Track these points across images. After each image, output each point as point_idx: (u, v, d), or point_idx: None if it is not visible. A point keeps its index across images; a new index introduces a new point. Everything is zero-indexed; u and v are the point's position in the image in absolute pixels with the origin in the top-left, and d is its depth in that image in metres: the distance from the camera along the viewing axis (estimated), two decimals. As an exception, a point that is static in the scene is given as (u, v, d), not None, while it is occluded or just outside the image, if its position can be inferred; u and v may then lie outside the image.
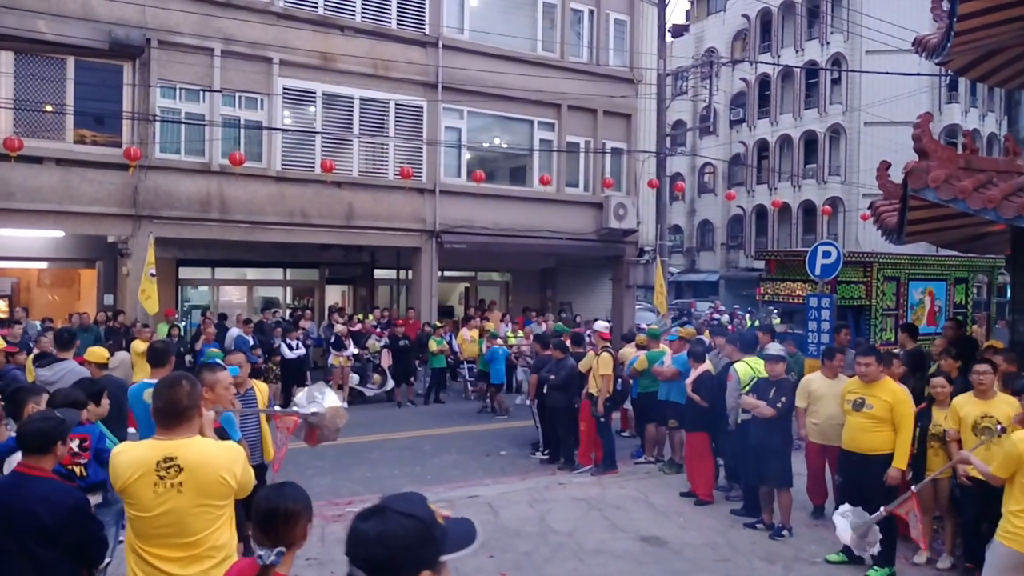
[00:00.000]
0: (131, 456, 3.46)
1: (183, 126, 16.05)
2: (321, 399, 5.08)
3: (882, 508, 6.17)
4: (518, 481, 10.20)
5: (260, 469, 5.97)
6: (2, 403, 6.48)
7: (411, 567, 1.82)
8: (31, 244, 16.61)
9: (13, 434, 4.74)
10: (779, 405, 7.76)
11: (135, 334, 13.99)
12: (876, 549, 6.35)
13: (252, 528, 2.75)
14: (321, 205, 17.25)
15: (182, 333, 15.64)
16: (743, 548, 7.60)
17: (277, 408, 5.62)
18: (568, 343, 11.50)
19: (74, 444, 4.70)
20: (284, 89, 16.90)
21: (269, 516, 2.70)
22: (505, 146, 20.75)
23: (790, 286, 14.27)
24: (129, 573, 3.52)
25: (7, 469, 4.44)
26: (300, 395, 5.26)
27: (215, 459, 3.49)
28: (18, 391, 5.37)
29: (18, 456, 4.48)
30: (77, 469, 4.70)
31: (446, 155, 19.07)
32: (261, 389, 6.46)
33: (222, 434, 4.50)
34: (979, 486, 6.22)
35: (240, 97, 16.53)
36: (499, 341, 15.54)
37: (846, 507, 6.46)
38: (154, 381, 5.99)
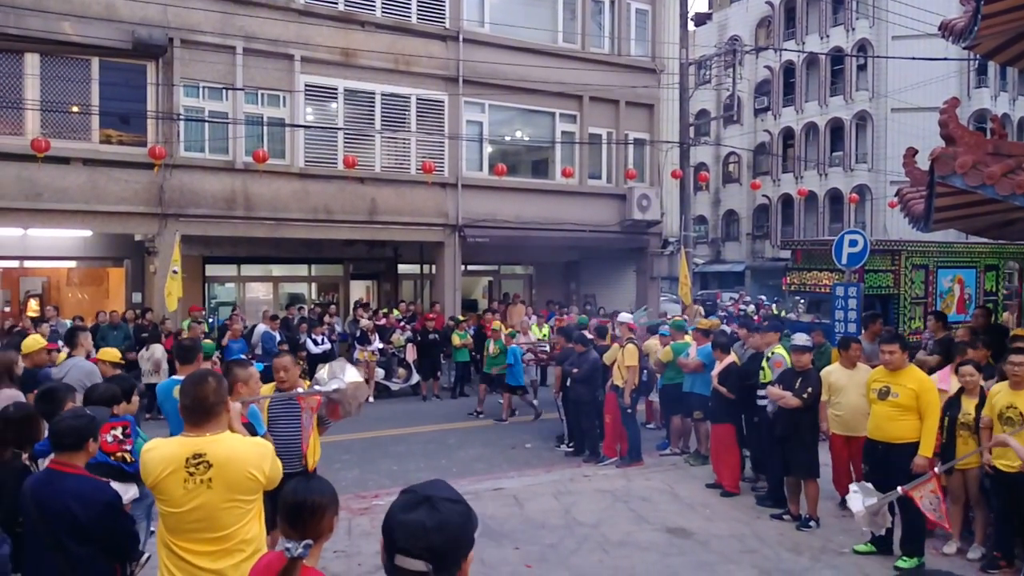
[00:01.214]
0: (161, 453, 3.50)
1: (207, 124, 16.17)
2: (342, 375, 5.14)
3: (899, 488, 6.10)
4: (543, 473, 10.20)
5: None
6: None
7: (466, 549, 1.88)
8: (60, 244, 16.84)
9: None
10: (805, 395, 7.70)
11: (162, 331, 14.19)
12: (884, 529, 6.30)
13: (279, 521, 2.78)
14: (344, 201, 17.32)
15: (208, 329, 15.75)
16: (770, 539, 7.55)
17: (300, 390, 5.65)
18: (591, 336, 11.47)
19: (117, 432, 4.76)
20: (306, 86, 16.97)
21: (296, 509, 2.74)
22: (527, 139, 20.71)
23: (817, 275, 14.16)
24: (161, 567, 3.57)
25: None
26: (322, 371, 5.32)
27: (244, 455, 3.53)
28: (53, 389, 5.43)
29: None
30: (126, 456, 4.74)
31: (468, 149, 19.07)
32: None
33: (250, 429, 4.52)
34: (1007, 476, 6.14)
35: (262, 94, 16.62)
36: (515, 341, 14.69)
37: (861, 483, 6.41)
38: (182, 378, 6.09)
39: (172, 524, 3.50)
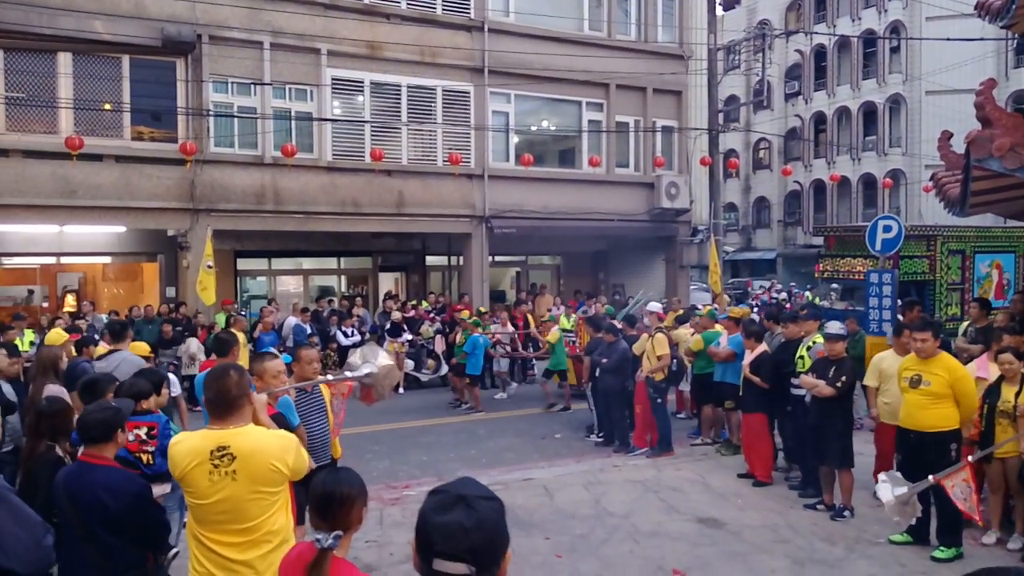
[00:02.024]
0: (187, 445, 3.54)
1: (236, 120, 16.30)
2: (374, 359, 5.17)
3: (929, 476, 5.99)
4: (573, 464, 10.19)
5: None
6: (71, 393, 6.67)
7: (504, 546, 1.84)
8: (95, 240, 17.10)
9: None
10: (839, 384, 7.60)
11: (196, 324, 14.35)
12: (914, 519, 6.21)
13: (310, 513, 2.81)
14: (372, 194, 17.38)
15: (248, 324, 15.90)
16: (803, 529, 7.48)
17: (330, 376, 5.68)
18: (621, 325, 11.42)
19: (142, 432, 4.80)
20: (333, 79, 17.02)
21: (326, 501, 2.77)
22: (553, 128, 20.63)
23: (850, 262, 14.00)
24: (192, 558, 3.62)
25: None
26: (354, 356, 5.34)
27: (267, 448, 3.54)
28: (95, 381, 5.49)
29: None
30: (144, 457, 4.79)
31: (494, 140, 19.04)
32: (326, 389, 6.41)
33: (280, 420, 4.55)
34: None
35: (290, 89, 16.70)
36: (480, 330, 14.36)
37: (890, 472, 6.32)
38: None
39: (200, 516, 3.54)
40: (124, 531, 3.80)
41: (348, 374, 5.22)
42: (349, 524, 2.79)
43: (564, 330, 14.43)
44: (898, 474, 6.21)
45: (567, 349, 14.18)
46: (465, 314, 15.24)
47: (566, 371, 14.06)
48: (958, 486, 5.85)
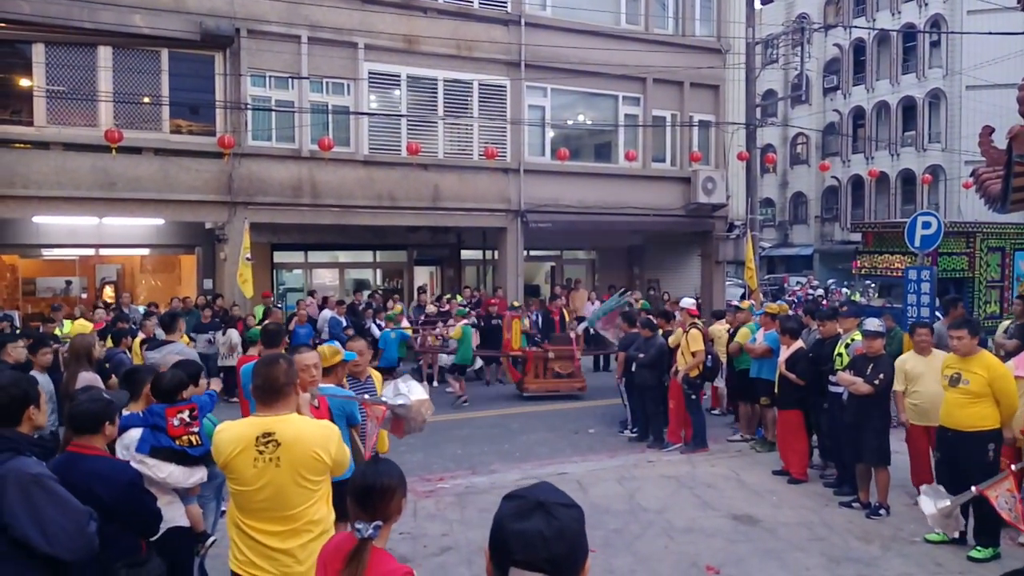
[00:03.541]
0: (233, 432, 3.63)
1: (273, 113, 16.45)
2: (407, 392, 5.15)
3: (972, 488, 5.91)
4: (607, 459, 10.18)
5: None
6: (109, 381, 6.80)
7: (584, 555, 1.75)
8: (133, 232, 17.36)
9: (130, 411, 4.95)
10: (877, 382, 7.52)
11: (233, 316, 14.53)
12: (957, 532, 6.13)
13: (349, 503, 2.82)
14: (408, 188, 17.46)
15: (284, 317, 16.08)
16: (839, 527, 7.42)
17: (367, 396, 5.68)
18: (657, 320, 11.38)
19: (185, 415, 4.88)
20: (370, 73, 17.11)
21: (366, 492, 2.78)
22: (589, 123, 20.57)
23: (888, 259, 13.84)
24: (232, 546, 3.71)
25: (119, 449, 4.65)
26: (387, 388, 5.35)
27: (310, 436, 3.63)
28: (136, 371, 5.60)
29: (134, 434, 4.71)
30: (192, 439, 4.86)
31: (530, 134, 19.02)
32: (377, 377, 6.46)
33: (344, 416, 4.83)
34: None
35: (327, 83, 16.82)
36: (393, 324, 14.47)
37: (932, 485, 6.25)
38: None
39: (242, 503, 3.62)
40: (116, 519, 3.85)
41: (383, 399, 5.24)
42: (389, 515, 2.81)
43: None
44: (940, 487, 6.13)
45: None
46: (398, 308, 15.67)
47: (467, 365, 14.73)
48: (1002, 496, 5.76)
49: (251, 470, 3.54)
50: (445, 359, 15.93)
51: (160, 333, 9.72)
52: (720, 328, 11.88)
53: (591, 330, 16.08)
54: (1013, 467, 5.97)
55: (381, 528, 2.74)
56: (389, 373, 13.36)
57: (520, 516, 1.72)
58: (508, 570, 1.70)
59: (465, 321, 14.39)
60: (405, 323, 15.20)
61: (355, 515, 2.78)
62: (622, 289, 18.41)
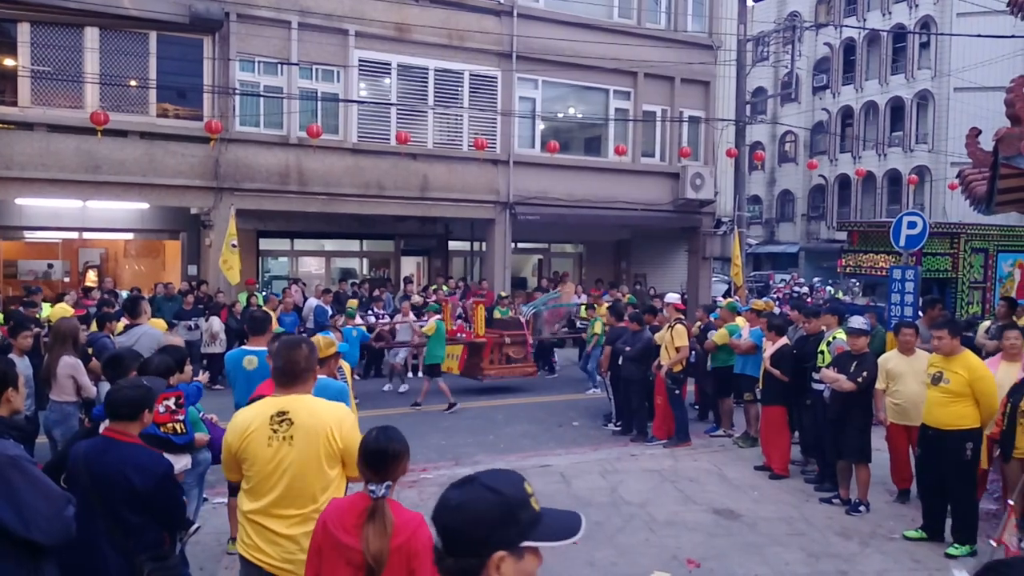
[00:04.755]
0: (249, 412, 3.74)
1: (262, 99, 16.34)
2: None
3: (991, 540, 5.92)
4: (590, 452, 10.20)
5: None
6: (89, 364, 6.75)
7: (483, 542, 1.73)
8: (118, 216, 17.20)
9: None
10: (860, 380, 7.56)
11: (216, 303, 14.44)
12: None
13: (361, 468, 3.09)
14: (396, 177, 17.39)
15: (260, 302, 16.03)
16: (819, 523, 7.46)
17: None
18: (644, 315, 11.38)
19: (171, 402, 4.85)
20: (360, 61, 17.02)
21: (380, 455, 3.05)
22: (580, 116, 20.55)
23: (873, 258, 13.90)
24: (240, 531, 3.77)
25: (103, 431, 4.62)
26: None
27: (323, 414, 3.68)
28: (120, 357, 5.55)
29: None
30: (177, 427, 4.83)
31: (520, 126, 18.99)
32: (347, 368, 6.43)
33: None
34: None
35: (317, 69, 16.72)
36: (355, 321, 13.45)
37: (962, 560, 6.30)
38: (252, 348, 6.24)
39: (257, 491, 3.65)
40: (147, 511, 3.82)
41: None
42: (397, 475, 3.08)
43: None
44: (965, 573, 6.13)
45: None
46: (353, 303, 14.51)
47: (439, 365, 13.09)
48: (1011, 535, 5.78)
49: (266, 450, 3.60)
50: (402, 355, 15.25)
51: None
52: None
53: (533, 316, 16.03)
54: (1010, 501, 6.02)
55: (391, 487, 3.02)
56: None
57: (454, 484, 1.83)
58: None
59: (438, 316, 13.51)
60: (358, 320, 14.04)
61: (367, 478, 3.05)
62: (556, 290, 18.41)
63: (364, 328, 13.86)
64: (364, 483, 3.05)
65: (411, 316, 14.94)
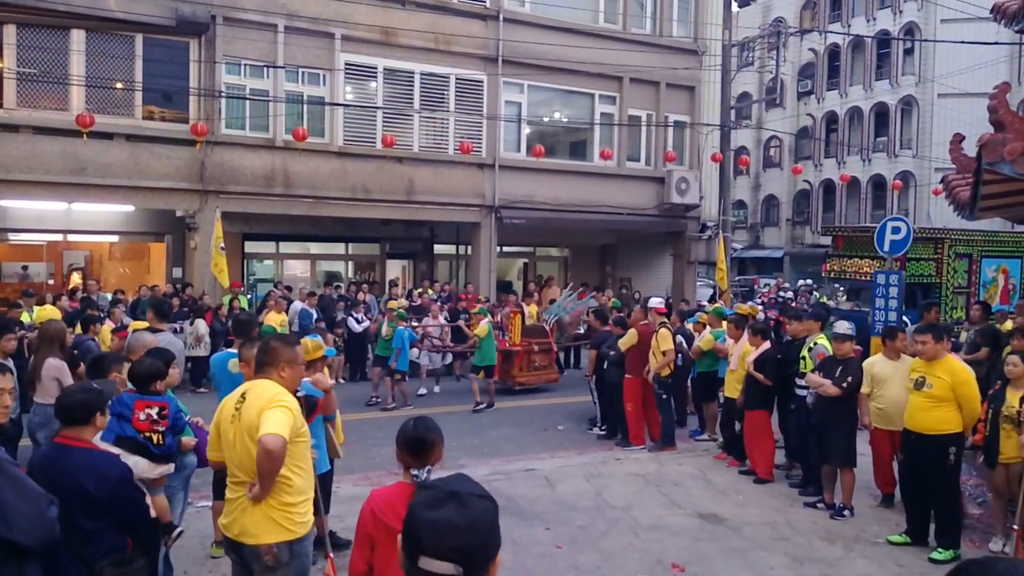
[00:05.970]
0: (230, 396, 4.11)
1: (248, 102, 16.31)
2: None
3: None
4: (575, 455, 10.20)
5: (326, 477, 5.98)
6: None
7: (495, 549, 1.74)
8: (103, 218, 17.11)
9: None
10: (845, 384, 7.60)
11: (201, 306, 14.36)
12: None
13: (401, 455, 3.32)
14: (382, 180, 17.38)
15: (245, 306, 15.97)
16: (803, 527, 7.49)
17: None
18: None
19: (153, 412, 4.81)
20: (346, 64, 17.02)
21: (419, 443, 3.28)
22: (565, 120, 20.60)
23: (857, 263, 14.00)
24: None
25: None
26: None
27: (260, 397, 3.89)
28: (101, 359, 5.52)
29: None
30: (155, 437, 4.79)
31: (506, 130, 19.02)
32: (328, 366, 6.48)
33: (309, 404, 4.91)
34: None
35: (303, 73, 16.70)
36: (404, 323, 13.23)
37: None
38: (236, 352, 6.25)
39: (229, 469, 3.98)
40: (104, 515, 3.76)
41: None
42: (435, 461, 3.27)
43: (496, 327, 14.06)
44: None
45: (496, 343, 13.68)
46: (393, 304, 14.19)
47: (494, 367, 13.29)
48: None
49: (229, 426, 3.94)
50: (414, 352, 15.38)
51: (127, 320, 9.59)
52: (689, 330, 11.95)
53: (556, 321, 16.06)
54: (1015, 526, 6.04)
55: (431, 471, 3.15)
56: (400, 375, 12.91)
57: (432, 505, 1.72)
58: (418, 559, 1.68)
59: (487, 319, 13.31)
60: (429, 321, 14.43)
61: (408, 464, 3.26)
62: (577, 287, 18.40)
63: (412, 330, 13.78)
64: (404, 470, 3.26)
65: (440, 318, 15.07)
